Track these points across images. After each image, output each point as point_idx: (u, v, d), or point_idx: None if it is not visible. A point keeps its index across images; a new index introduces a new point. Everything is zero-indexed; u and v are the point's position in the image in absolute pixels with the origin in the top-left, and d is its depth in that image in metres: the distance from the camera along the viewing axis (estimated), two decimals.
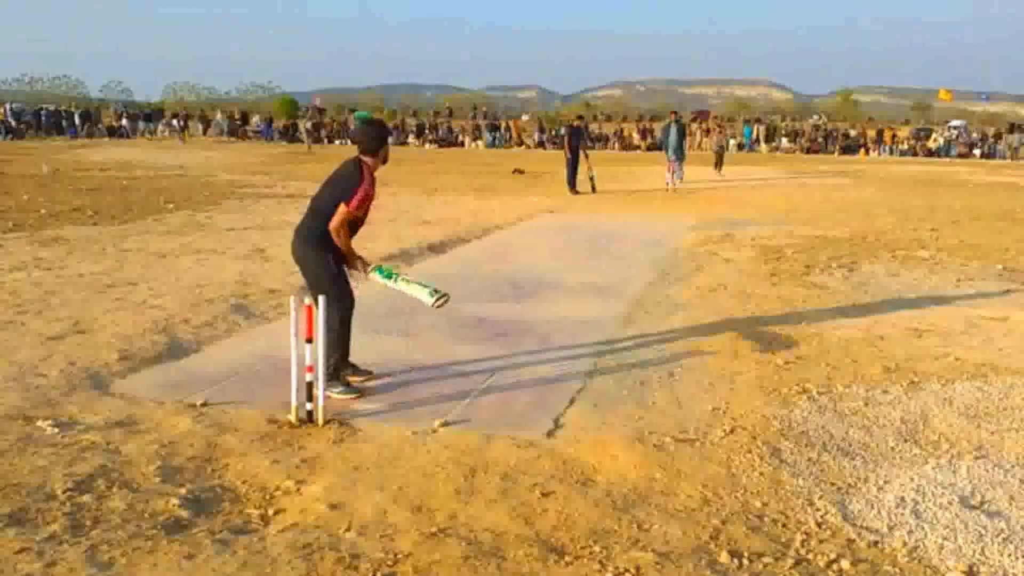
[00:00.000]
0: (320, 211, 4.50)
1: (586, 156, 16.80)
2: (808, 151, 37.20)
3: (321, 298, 4.11)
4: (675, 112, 20.85)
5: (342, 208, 4.39)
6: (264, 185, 17.04)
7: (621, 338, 5.78)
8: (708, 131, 40.50)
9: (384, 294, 7.18)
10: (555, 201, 15.10)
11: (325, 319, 4.14)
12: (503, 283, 7.67)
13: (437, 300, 4.54)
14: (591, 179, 16.64)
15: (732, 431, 4.04)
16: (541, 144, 38.11)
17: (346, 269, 4.60)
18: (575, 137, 17.04)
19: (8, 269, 7.62)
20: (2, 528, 2.97)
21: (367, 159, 4.53)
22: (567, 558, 2.85)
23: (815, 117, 60.80)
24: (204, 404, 4.31)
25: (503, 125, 43.56)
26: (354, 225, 4.54)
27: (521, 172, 21.61)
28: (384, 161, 4.62)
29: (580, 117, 20.97)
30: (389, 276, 4.61)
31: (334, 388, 4.40)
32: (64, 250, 8.70)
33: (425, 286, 4.59)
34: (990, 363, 5.15)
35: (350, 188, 4.41)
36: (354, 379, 4.62)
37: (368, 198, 4.47)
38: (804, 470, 3.61)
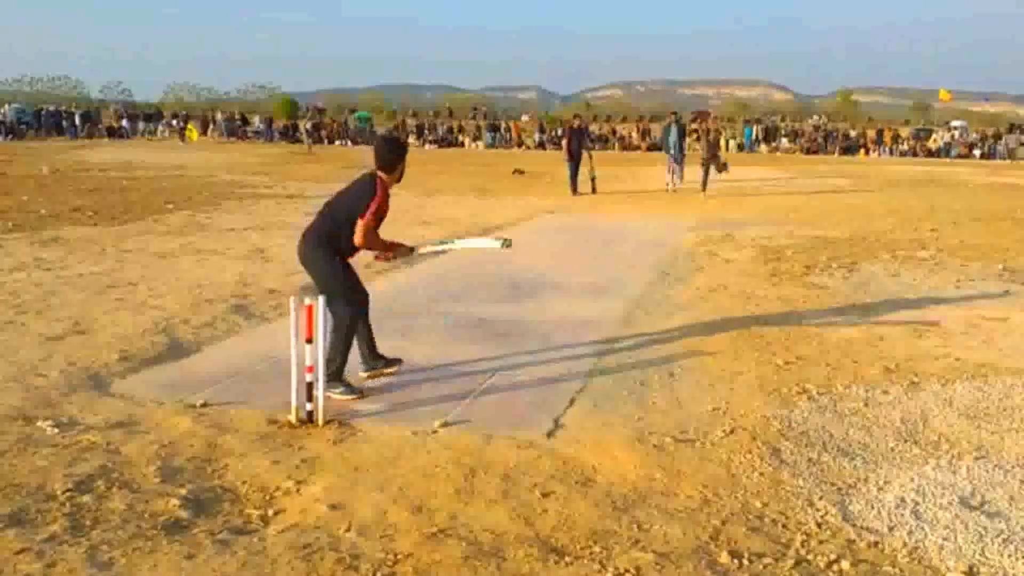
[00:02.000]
0: (330, 217, 4.53)
1: (589, 156, 16.73)
2: (808, 152, 37.20)
3: (322, 298, 4.11)
4: (675, 113, 20.82)
5: (359, 224, 4.39)
6: (264, 186, 17.04)
7: (621, 338, 5.78)
8: (707, 131, 40.44)
9: (383, 295, 7.19)
10: (555, 201, 15.10)
11: (333, 320, 4.14)
12: (503, 283, 7.66)
13: (504, 245, 5.00)
14: (592, 180, 16.60)
15: (732, 431, 4.04)
16: (541, 144, 38.12)
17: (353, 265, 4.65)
18: (575, 139, 16.91)
19: (8, 269, 7.62)
20: (2, 528, 2.97)
21: (383, 175, 4.51)
22: (567, 558, 2.85)
23: (815, 117, 60.79)
24: (204, 404, 4.31)
25: (503, 126, 43.58)
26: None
27: (521, 172, 21.61)
28: (399, 179, 4.63)
29: (577, 116, 20.72)
30: (442, 243, 5.35)
31: (335, 389, 4.39)
32: (64, 250, 8.70)
33: (486, 239, 5.28)
34: (990, 363, 5.15)
35: (365, 201, 4.41)
36: (388, 371, 4.74)
37: (382, 212, 4.47)
38: (804, 470, 3.61)
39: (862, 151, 37.19)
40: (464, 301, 6.92)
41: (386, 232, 4.72)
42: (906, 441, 3.95)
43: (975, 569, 2.83)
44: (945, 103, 52.54)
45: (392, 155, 4.54)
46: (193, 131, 38.43)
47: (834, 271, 8.27)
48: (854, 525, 3.13)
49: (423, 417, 4.17)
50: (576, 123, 18.41)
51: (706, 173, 16.63)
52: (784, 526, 3.12)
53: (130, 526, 3.02)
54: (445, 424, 4.08)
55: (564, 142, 17.73)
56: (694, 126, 38.58)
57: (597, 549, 2.91)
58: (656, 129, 37.35)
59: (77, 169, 19.99)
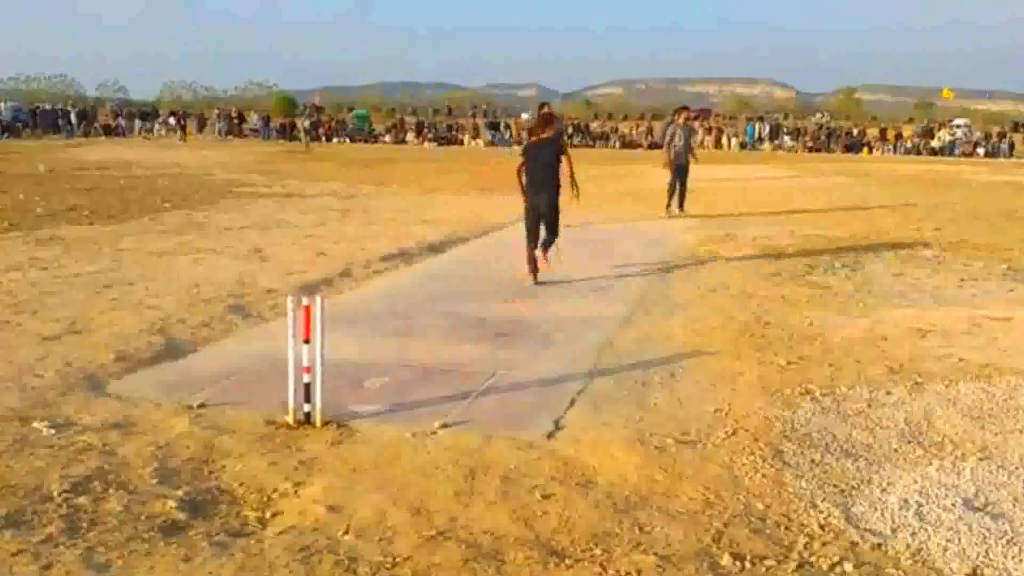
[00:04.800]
0: (553, 175, 7.35)
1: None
2: (811, 150, 37.19)
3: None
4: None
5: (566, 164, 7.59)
6: (262, 184, 17.01)
7: (621, 338, 5.75)
8: (710, 130, 40.43)
9: (383, 294, 7.16)
10: None
11: (553, 229, 7.51)
12: (503, 283, 7.64)
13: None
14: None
15: (734, 432, 4.01)
16: None
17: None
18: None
19: (4, 269, 7.58)
20: None
21: (545, 135, 7.60)
22: (567, 561, 2.82)
23: (819, 115, 60.74)
24: (201, 405, 4.28)
25: (503, 123, 43.56)
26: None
27: None
28: (549, 132, 7.64)
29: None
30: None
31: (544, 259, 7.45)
32: (60, 249, 8.67)
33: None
34: (994, 364, 5.12)
35: (560, 153, 7.53)
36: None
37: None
38: (807, 472, 3.58)
39: (865, 149, 37.15)
40: (464, 301, 6.89)
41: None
42: (909, 442, 3.92)
43: (979, 571, 2.81)
44: (948, 102, 52.49)
45: (539, 122, 8.03)
46: (189, 132, 38.44)
47: (836, 270, 8.25)
48: (857, 527, 3.10)
49: (423, 417, 4.14)
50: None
51: (682, 186, 12.87)
52: (787, 528, 3.09)
53: (127, 528, 2.99)
54: (445, 425, 4.04)
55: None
56: (696, 124, 38.56)
57: (598, 551, 2.89)
58: (657, 127, 37.29)
59: (73, 168, 19.97)
